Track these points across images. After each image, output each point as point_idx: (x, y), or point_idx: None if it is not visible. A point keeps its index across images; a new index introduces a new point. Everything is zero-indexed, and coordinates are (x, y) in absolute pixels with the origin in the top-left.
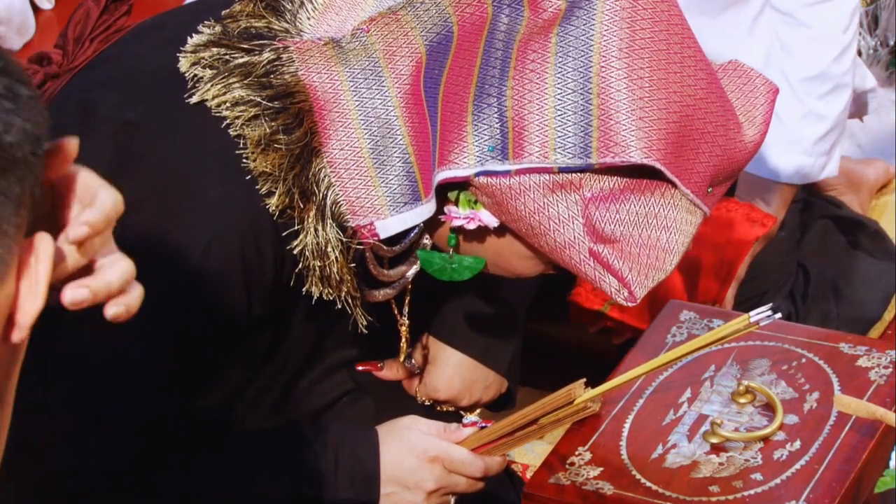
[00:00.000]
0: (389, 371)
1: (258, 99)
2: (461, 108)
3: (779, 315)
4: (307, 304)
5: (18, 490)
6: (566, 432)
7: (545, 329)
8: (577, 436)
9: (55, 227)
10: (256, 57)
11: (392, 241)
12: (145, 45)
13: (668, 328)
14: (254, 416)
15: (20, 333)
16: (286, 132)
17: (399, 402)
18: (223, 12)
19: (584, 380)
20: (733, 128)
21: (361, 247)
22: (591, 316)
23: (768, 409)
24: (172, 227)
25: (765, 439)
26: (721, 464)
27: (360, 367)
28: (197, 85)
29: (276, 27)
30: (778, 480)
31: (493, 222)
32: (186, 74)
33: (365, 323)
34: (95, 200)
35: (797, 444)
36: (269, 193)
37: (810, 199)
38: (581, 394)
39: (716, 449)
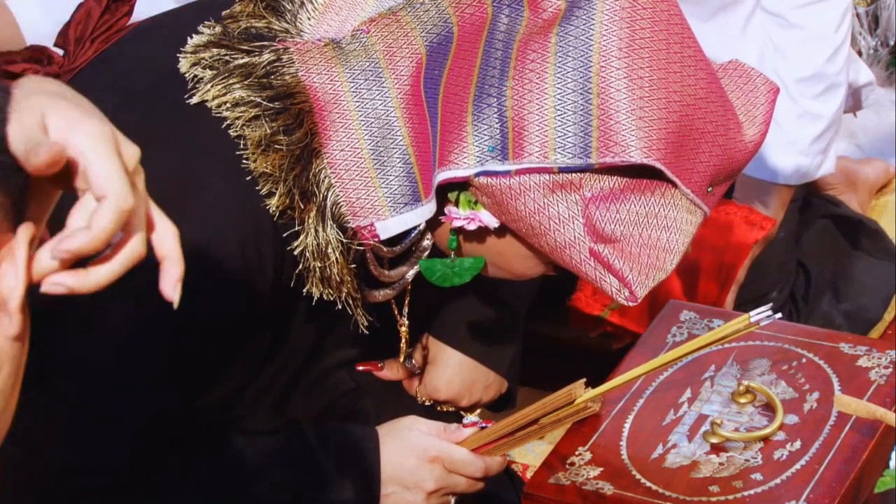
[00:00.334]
0: (389, 371)
1: (258, 100)
2: (461, 109)
3: (779, 315)
4: (307, 305)
5: (18, 490)
6: (566, 432)
7: (545, 329)
8: (577, 436)
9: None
10: (257, 58)
11: (392, 241)
12: (146, 45)
13: (668, 328)
14: (254, 416)
15: (10, 319)
16: (286, 133)
17: (399, 402)
18: (223, 13)
19: (584, 380)
20: (733, 127)
21: (362, 248)
22: (591, 321)
23: (768, 409)
24: None
25: (765, 439)
26: (721, 464)
27: (360, 367)
28: (197, 85)
29: (276, 28)
30: (778, 480)
31: (493, 223)
32: (187, 75)
33: (366, 323)
34: (93, 218)
35: (797, 444)
36: (270, 194)
37: (809, 198)
38: (581, 394)
39: (716, 449)
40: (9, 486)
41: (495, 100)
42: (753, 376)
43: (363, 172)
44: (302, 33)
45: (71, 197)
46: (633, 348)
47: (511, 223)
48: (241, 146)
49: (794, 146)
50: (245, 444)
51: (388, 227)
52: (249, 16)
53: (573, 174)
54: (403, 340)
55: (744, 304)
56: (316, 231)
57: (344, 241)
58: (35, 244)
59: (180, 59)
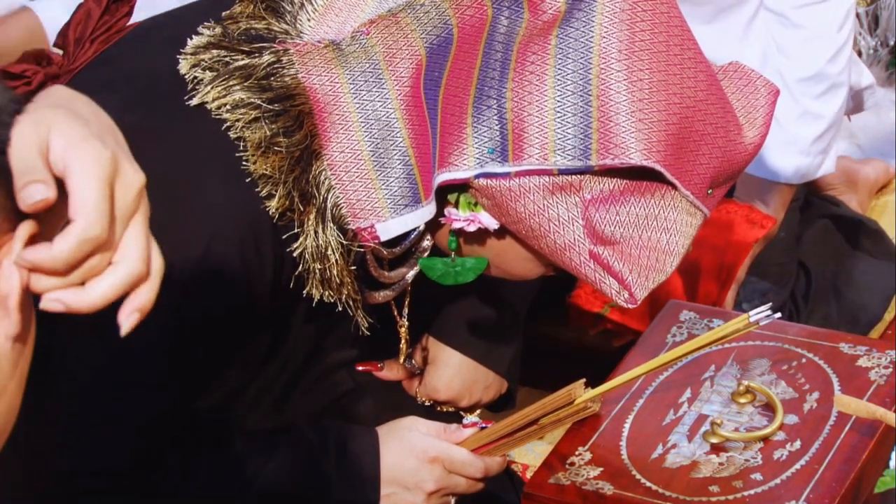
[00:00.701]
0: (389, 371)
1: (258, 101)
2: (461, 110)
3: (778, 315)
4: (307, 305)
5: (18, 490)
6: (566, 432)
7: (545, 329)
8: (577, 436)
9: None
10: (256, 59)
11: (392, 243)
12: (145, 46)
13: (668, 328)
14: (254, 416)
15: (10, 318)
16: (286, 135)
17: (399, 402)
18: (223, 14)
19: (584, 380)
20: (733, 129)
21: (362, 249)
22: (592, 318)
23: (768, 409)
24: (172, 229)
25: (765, 439)
26: (721, 464)
27: (360, 368)
28: (197, 87)
29: (276, 29)
30: (778, 480)
31: (493, 224)
32: (186, 76)
33: (366, 325)
34: (56, 239)
35: (797, 444)
36: (269, 196)
37: (810, 198)
38: (581, 394)
39: (716, 449)
40: (9, 486)
41: (495, 101)
42: (753, 376)
43: (363, 174)
44: (302, 35)
45: None
46: (632, 348)
47: (511, 225)
48: (241, 148)
49: (794, 145)
50: (245, 445)
51: (389, 228)
52: (249, 17)
53: (573, 176)
54: (403, 341)
55: (744, 304)
56: (316, 233)
57: (344, 242)
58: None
59: (180, 60)
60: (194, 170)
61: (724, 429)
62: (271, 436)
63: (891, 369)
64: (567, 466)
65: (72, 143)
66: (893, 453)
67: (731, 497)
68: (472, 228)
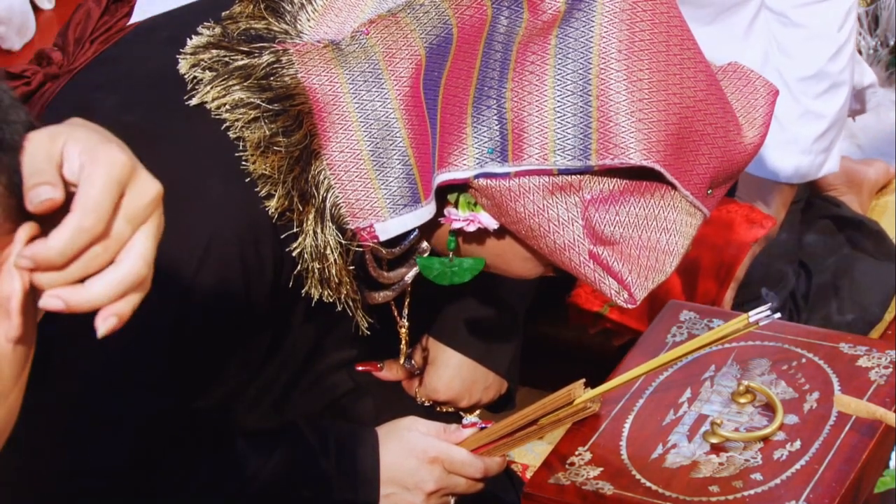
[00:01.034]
0: (389, 372)
1: (258, 101)
2: (461, 110)
3: (778, 315)
4: (307, 305)
5: (19, 491)
6: (566, 432)
7: (545, 330)
8: (577, 436)
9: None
10: (256, 59)
11: (391, 243)
12: (145, 46)
13: (668, 328)
14: (254, 416)
15: (11, 321)
16: (286, 134)
17: (399, 402)
18: (223, 14)
19: (584, 380)
20: (733, 129)
21: (361, 249)
22: (591, 318)
23: (768, 409)
24: (171, 228)
25: (765, 439)
26: (721, 464)
27: (359, 368)
28: (197, 87)
29: (275, 29)
30: (778, 480)
31: (492, 224)
32: (186, 76)
33: (366, 325)
34: (53, 232)
35: (797, 444)
36: (269, 196)
37: (811, 199)
38: (581, 394)
39: (716, 449)
40: (9, 486)
41: (495, 101)
42: (753, 376)
43: (362, 174)
44: (301, 35)
45: None
46: (632, 348)
47: (510, 225)
48: (241, 148)
49: (796, 145)
50: (245, 445)
51: (388, 228)
52: (249, 17)
53: (573, 176)
54: (403, 341)
55: (743, 304)
56: (315, 232)
57: (343, 242)
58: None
59: (180, 60)
60: (194, 170)
61: (724, 429)
62: (271, 436)
63: (891, 369)
64: (567, 466)
65: (87, 148)
66: (893, 453)
67: (731, 497)
68: (471, 228)
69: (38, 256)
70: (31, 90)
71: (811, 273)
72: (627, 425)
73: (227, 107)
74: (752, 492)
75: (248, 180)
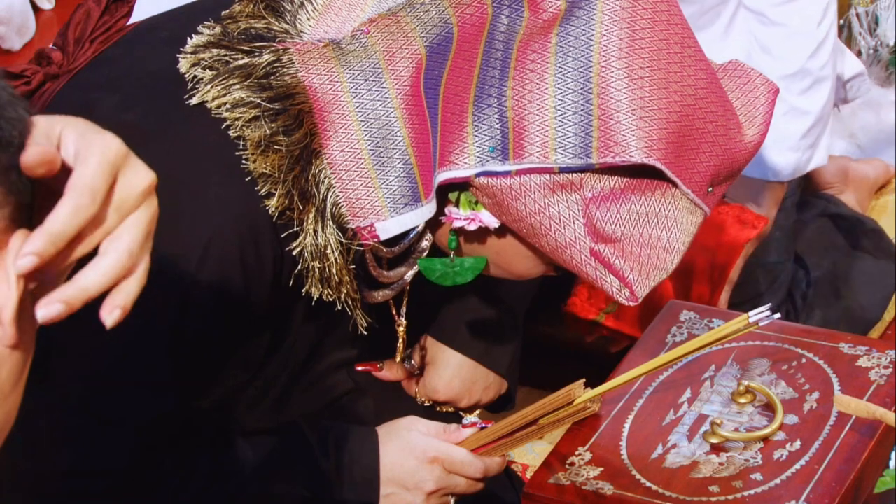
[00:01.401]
0: (389, 371)
1: (258, 100)
2: (461, 109)
3: (778, 315)
4: (307, 305)
5: (19, 491)
6: (566, 432)
7: (545, 330)
8: (577, 436)
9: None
10: (256, 58)
11: (391, 242)
12: (145, 45)
13: (668, 328)
14: (254, 416)
15: (4, 330)
16: (286, 133)
17: (399, 402)
18: (223, 13)
19: (584, 380)
20: (734, 127)
21: (361, 248)
22: (587, 326)
23: (768, 409)
24: (172, 228)
25: (765, 439)
26: (721, 464)
27: (359, 368)
28: (197, 86)
29: (275, 28)
30: (778, 480)
31: (493, 223)
32: (186, 75)
33: (365, 324)
34: (49, 216)
35: (797, 444)
36: (269, 195)
37: (808, 197)
38: (581, 394)
39: (716, 449)
40: (9, 486)
41: (496, 100)
42: (753, 376)
43: (363, 173)
44: (302, 34)
45: None
46: (632, 348)
47: (511, 223)
48: (241, 147)
49: (783, 143)
50: (244, 445)
51: (388, 227)
52: (249, 16)
53: (574, 174)
54: (401, 340)
55: (739, 305)
56: (315, 231)
57: (343, 241)
58: None
59: (180, 59)
60: (194, 168)
61: (723, 429)
62: (271, 436)
63: (891, 369)
64: (567, 466)
65: (83, 133)
66: (893, 453)
67: (730, 497)
68: (472, 227)
69: (38, 245)
70: (31, 90)
71: (809, 272)
72: (627, 425)
73: (228, 106)
74: (751, 492)
75: (248, 179)
